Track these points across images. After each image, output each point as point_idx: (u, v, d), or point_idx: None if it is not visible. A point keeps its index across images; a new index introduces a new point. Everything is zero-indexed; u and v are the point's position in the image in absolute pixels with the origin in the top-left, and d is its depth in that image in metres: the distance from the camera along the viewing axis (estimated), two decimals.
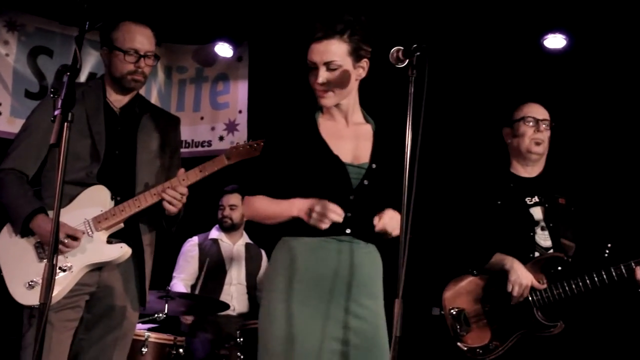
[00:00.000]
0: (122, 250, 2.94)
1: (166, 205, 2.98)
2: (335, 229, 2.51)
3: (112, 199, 2.99)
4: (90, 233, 2.93)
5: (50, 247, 2.15)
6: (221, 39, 5.77)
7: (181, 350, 4.19)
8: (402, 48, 2.42)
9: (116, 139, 3.06)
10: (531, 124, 3.50)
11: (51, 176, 2.98)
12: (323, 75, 2.61)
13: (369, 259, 2.63)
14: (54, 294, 2.79)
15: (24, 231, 2.90)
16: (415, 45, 2.38)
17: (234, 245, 5.23)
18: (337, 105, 2.70)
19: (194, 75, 5.99)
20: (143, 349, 4.03)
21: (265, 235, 5.44)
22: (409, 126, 2.32)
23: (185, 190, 3.01)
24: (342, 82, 2.62)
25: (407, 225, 2.25)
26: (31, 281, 2.84)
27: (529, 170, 3.56)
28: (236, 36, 5.77)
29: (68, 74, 2.25)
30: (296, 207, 2.50)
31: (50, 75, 5.30)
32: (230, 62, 5.93)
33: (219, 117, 5.90)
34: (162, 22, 5.57)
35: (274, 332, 2.49)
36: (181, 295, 4.49)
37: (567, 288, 3.30)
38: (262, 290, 5.06)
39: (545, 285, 3.34)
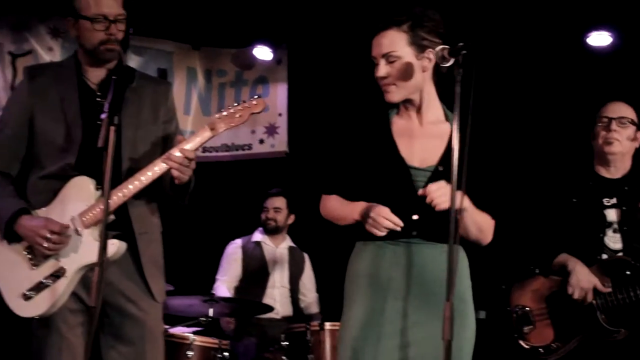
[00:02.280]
0: (114, 247, 2.64)
1: (174, 172, 2.66)
2: (402, 233, 2.45)
3: (97, 189, 2.68)
4: (79, 231, 2.64)
5: (100, 248, 2.11)
6: (260, 42, 5.76)
7: (226, 353, 4.18)
8: (447, 47, 2.33)
9: (96, 120, 2.65)
10: (604, 124, 3.40)
11: (33, 173, 2.77)
12: (382, 67, 2.54)
13: (440, 261, 2.41)
14: (48, 307, 2.60)
15: (10, 236, 2.67)
16: (461, 44, 2.29)
17: (277, 248, 5.22)
18: (408, 102, 2.60)
19: (233, 78, 6.00)
20: (189, 353, 4.02)
21: (308, 239, 5.44)
22: (455, 126, 2.27)
23: (192, 154, 2.66)
24: (403, 74, 2.52)
25: (456, 231, 2.19)
26: (26, 291, 2.62)
27: (612, 171, 3.45)
28: (275, 39, 5.77)
29: (114, 77, 2.23)
30: (357, 211, 2.49)
31: None
32: (269, 65, 5.92)
33: (258, 120, 5.87)
34: (201, 26, 5.64)
35: (341, 336, 2.52)
36: (225, 299, 4.50)
37: (631, 293, 3.21)
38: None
39: (609, 289, 3.25)
